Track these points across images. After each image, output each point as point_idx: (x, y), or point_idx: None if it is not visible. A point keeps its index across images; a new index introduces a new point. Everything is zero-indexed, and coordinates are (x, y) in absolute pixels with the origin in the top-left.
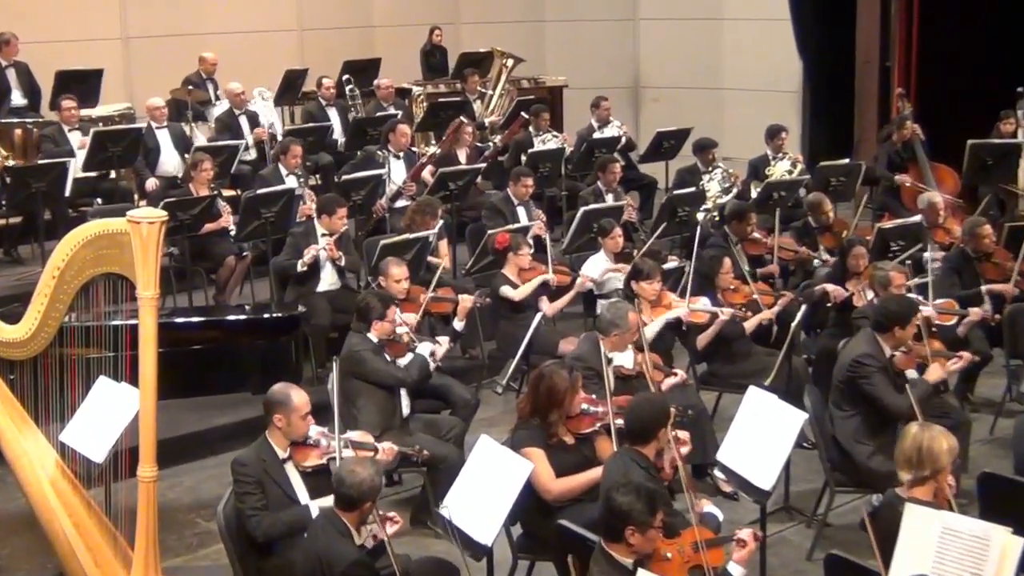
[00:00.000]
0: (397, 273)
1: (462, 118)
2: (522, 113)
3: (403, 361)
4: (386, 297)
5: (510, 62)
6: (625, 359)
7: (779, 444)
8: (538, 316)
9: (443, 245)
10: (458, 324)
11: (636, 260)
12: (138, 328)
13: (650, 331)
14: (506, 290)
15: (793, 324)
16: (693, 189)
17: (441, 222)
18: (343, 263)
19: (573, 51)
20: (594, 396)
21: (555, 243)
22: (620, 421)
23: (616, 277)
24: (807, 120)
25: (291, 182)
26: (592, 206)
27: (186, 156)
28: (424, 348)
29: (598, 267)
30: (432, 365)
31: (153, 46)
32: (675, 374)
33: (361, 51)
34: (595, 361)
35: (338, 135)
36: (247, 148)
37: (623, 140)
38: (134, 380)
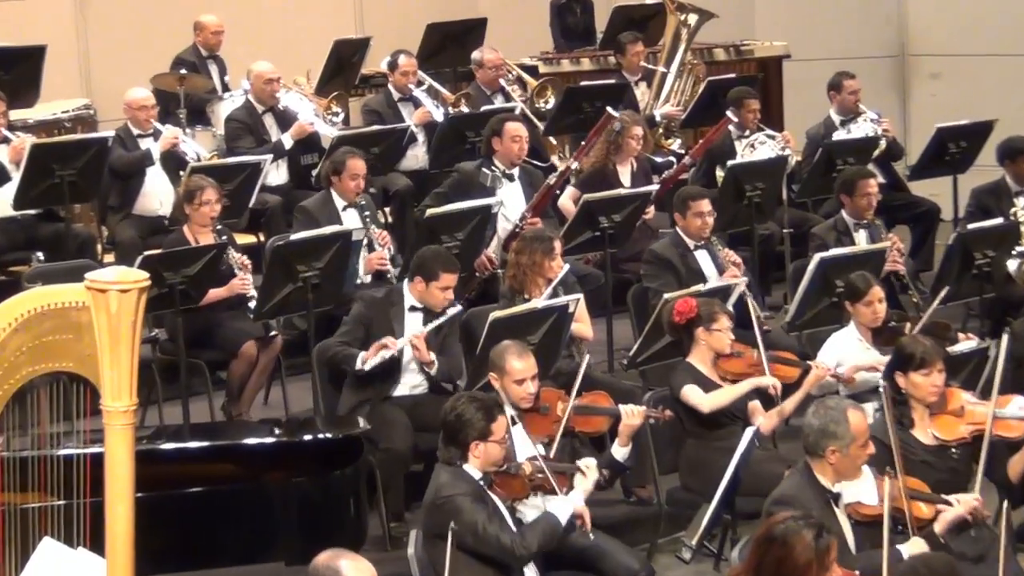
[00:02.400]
0: (520, 369)
1: (610, 110)
2: (728, 113)
3: (526, 511)
4: (489, 403)
5: (693, 19)
6: (861, 491)
7: None
8: (748, 433)
9: (581, 307)
10: (619, 451)
11: (904, 338)
12: (104, 460)
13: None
14: (691, 393)
15: None
16: (1000, 221)
17: (567, 267)
18: (434, 372)
19: (797, 1)
20: (857, 573)
21: (772, 313)
22: None
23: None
24: None
25: (350, 219)
26: (834, 251)
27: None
28: (562, 507)
29: (846, 351)
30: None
31: (124, 9)
32: (948, 503)
33: (454, 9)
34: (812, 501)
35: (419, 144)
36: (283, 154)
37: (882, 142)
38: (98, 543)
